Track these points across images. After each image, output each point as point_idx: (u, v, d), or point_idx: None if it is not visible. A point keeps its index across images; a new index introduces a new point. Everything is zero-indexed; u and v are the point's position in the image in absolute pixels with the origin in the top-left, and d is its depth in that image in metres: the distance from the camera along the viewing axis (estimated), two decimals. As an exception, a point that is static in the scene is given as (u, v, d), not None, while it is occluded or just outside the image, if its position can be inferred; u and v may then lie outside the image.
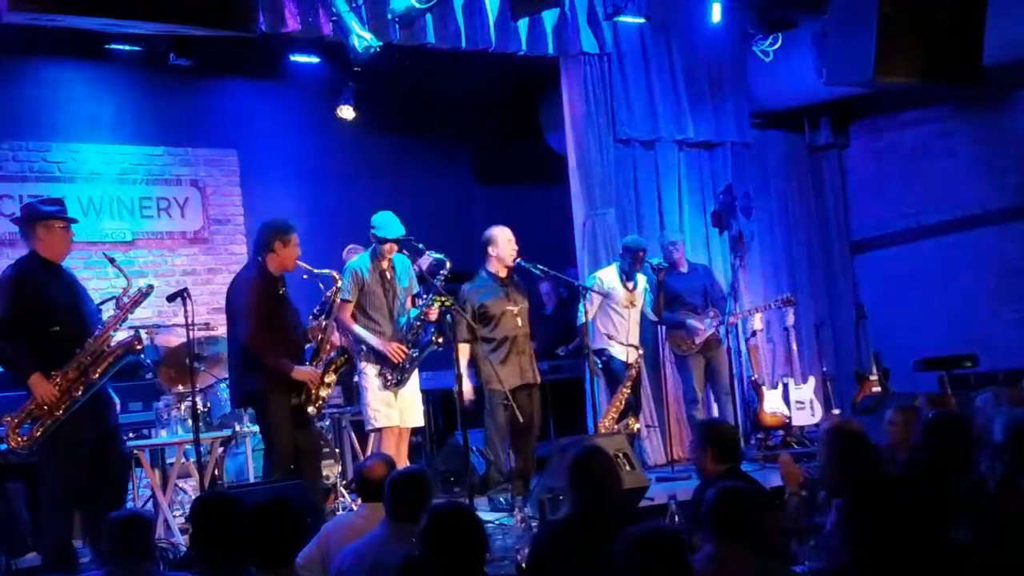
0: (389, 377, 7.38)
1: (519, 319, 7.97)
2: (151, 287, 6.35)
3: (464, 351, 7.75)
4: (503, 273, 7.99)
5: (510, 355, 7.93)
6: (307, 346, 7.14)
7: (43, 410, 5.95)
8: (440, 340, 7.48)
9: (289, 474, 6.72)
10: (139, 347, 6.22)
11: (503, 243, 7.94)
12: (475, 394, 7.95)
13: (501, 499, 7.82)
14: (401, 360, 7.36)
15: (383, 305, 7.52)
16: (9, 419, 5.99)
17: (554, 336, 9.86)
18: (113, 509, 5.06)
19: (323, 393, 6.99)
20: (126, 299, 6.17)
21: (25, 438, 5.96)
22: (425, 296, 7.56)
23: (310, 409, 6.90)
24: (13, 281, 6.10)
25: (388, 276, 7.57)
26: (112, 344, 6.11)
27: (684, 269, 9.46)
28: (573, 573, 4.24)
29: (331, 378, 7.08)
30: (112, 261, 6.40)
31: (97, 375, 6.05)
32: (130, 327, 6.64)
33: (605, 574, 3.59)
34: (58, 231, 6.20)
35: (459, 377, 7.52)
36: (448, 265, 7.51)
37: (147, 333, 8.19)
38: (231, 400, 7.52)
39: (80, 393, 6.01)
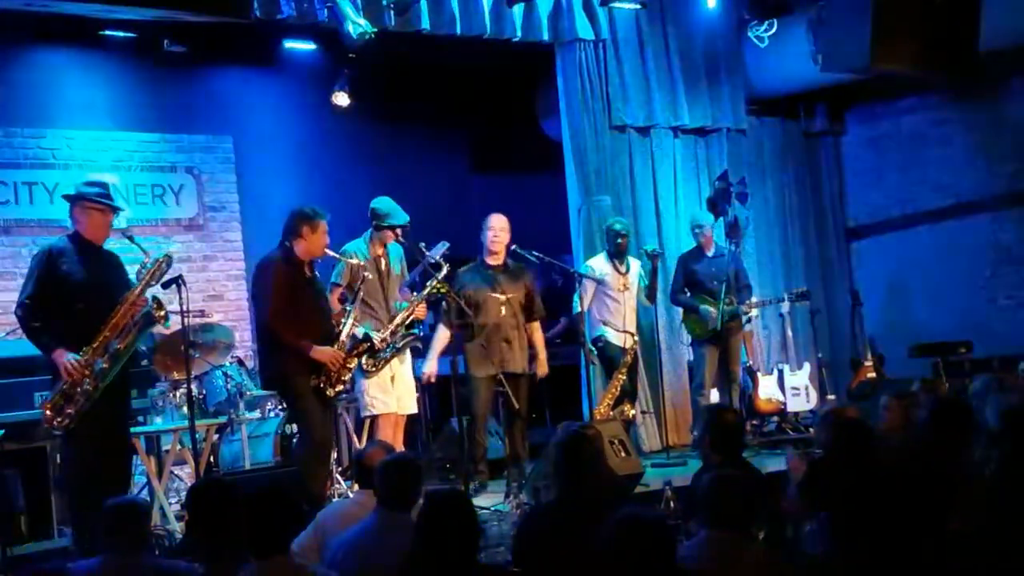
0: (364, 363, 7.39)
1: (503, 308, 7.92)
2: (169, 256, 6.34)
3: (442, 338, 7.88)
4: (496, 261, 8.00)
5: (491, 342, 7.92)
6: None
7: (74, 388, 5.99)
8: (420, 343, 7.63)
9: (324, 463, 6.78)
10: (159, 313, 6.19)
11: (486, 230, 8.01)
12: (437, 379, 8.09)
13: (474, 484, 7.76)
14: (381, 347, 7.37)
15: (378, 291, 7.54)
16: (46, 402, 6.05)
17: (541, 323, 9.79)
18: (116, 494, 5.08)
19: (345, 377, 7.00)
20: (144, 272, 6.18)
21: (62, 418, 5.99)
22: (420, 288, 7.58)
23: (329, 392, 6.90)
24: (41, 258, 6.17)
25: (383, 263, 7.58)
26: (134, 316, 6.13)
27: (710, 253, 9.43)
28: (559, 559, 4.25)
29: (353, 363, 7.08)
30: (131, 239, 6.45)
31: (123, 346, 6.09)
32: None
33: (590, 560, 3.60)
34: (94, 214, 6.24)
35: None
36: (444, 272, 7.53)
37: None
38: (260, 382, 7.57)
39: (108, 366, 6.05)
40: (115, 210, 6.41)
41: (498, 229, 8.00)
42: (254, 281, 7.08)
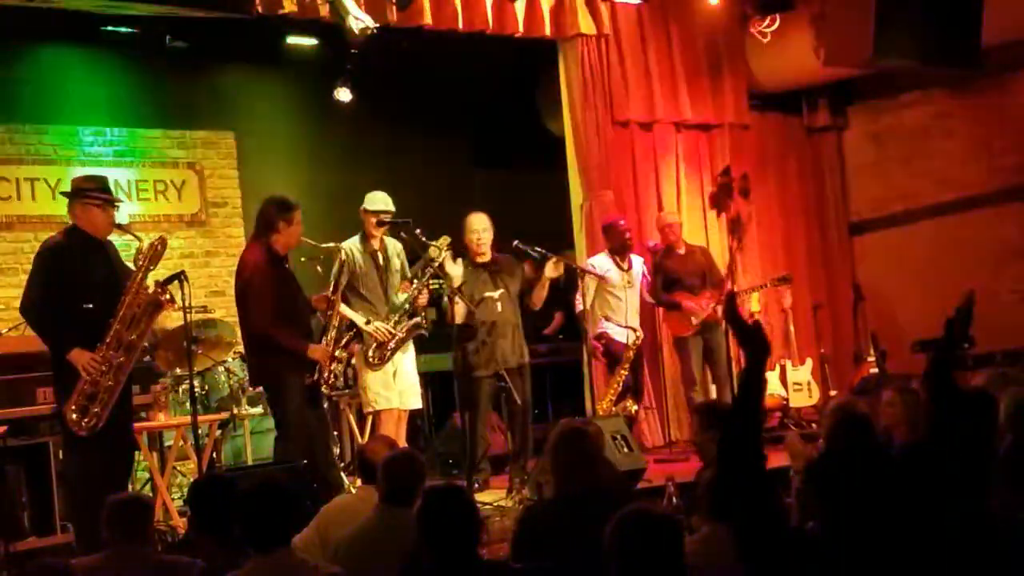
0: (370, 356, 7.38)
1: (499, 304, 7.92)
2: (163, 238, 6.29)
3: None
4: (485, 259, 7.98)
5: (487, 341, 7.91)
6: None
7: (95, 386, 5.94)
8: (426, 326, 7.55)
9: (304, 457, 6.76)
10: (165, 297, 6.15)
11: (467, 232, 7.91)
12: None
13: (477, 481, 7.77)
14: (385, 340, 7.37)
15: (376, 286, 7.53)
16: (68, 405, 5.94)
17: (538, 318, 9.78)
18: (118, 490, 5.08)
19: (335, 368, 6.99)
20: (141, 258, 6.14)
21: (89, 418, 5.94)
22: (418, 280, 7.56)
23: (325, 389, 6.93)
24: (51, 252, 6.09)
25: (380, 257, 7.57)
26: (140, 305, 6.10)
27: (682, 251, 9.43)
28: (558, 554, 4.25)
29: (341, 353, 7.07)
30: (120, 227, 6.40)
31: (136, 337, 6.05)
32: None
33: (589, 555, 3.59)
34: (94, 211, 6.16)
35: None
36: (442, 256, 7.48)
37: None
38: (249, 380, 7.56)
39: (125, 359, 6.01)
40: (115, 204, 6.34)
41: (480, 231, 7.88)
42: (240, 285, 6.91)
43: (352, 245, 7.52)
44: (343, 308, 7.35)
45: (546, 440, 7.91)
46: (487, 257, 7.95)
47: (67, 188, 6.55)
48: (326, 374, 6.88)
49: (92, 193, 6.20)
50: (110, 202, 6.27)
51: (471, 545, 3.83)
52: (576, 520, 4.27)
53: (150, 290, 6.13)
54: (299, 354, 6.77)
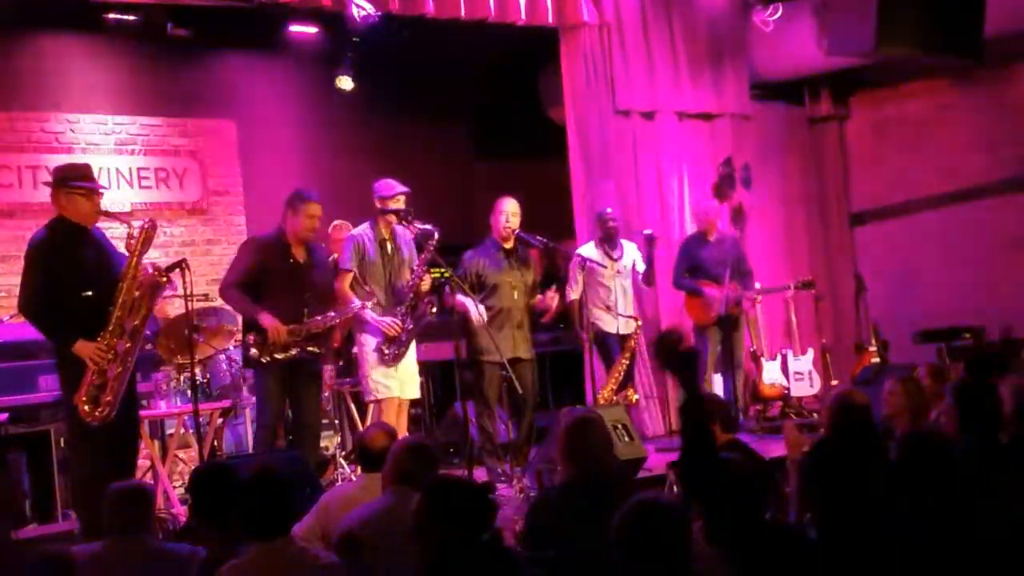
0: (386, 352, 7.36)
1: (516, 292, 7.96)
2: (152, 221, 6.25)
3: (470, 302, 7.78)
4: (508, 245, 8.00)
5: (504, 327, 7.92)
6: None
7: (103, 376, 5.93)
8: (434, 310, 7.50)
9: (271, 446, 6.84)
10: (163, 279, 6.15)
11: (497, 214, 7.98)
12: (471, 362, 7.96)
13: (499, 470, 7.85)
14: (396, 333, 7.35)
15: (381, 276, 7.50)
16: (78, 397, 5.92)
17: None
18: (124, 478, 5.09)
19: (291, 352, 6.90)
20: (133, 243, 6.11)
21: (102, 408, 5.94)
22: (419, 268, 7.54)
23: (264, 359, 6.84)
24: (41, 246, 6.05)
25: (389, 247, 7.56)
26: (140, 289, 6.09)
27: (712, 238, 9.40)
28: (568, 542, 4.25)
29: (313, 349, 7.03)
30: (107, 213, 6.36)
31: (139, 322, 6.04)
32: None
33: (600, 543, 3.59)
34: (80, 200, 6.12)
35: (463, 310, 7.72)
36: (436, 236, 7.40)
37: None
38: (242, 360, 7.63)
39: (130, 345, 6.01)
40: (99, 192, 6.28)
41: (510, 214, 7.95)
42: None
43: (363, 232, 7.51)
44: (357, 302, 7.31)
45: (546, 430, 7.97)
46: (510, 243, 7.97)
47: (47, 177, 6.50)
48: (269, 345, 6.82)
49: (76, 183, 6.15)
50: (95, 190, 6.24)
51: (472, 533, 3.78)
52: (590, 506, 4.28)
53: (147, 273, 6.12)
54: (251, 319, 6.88)
